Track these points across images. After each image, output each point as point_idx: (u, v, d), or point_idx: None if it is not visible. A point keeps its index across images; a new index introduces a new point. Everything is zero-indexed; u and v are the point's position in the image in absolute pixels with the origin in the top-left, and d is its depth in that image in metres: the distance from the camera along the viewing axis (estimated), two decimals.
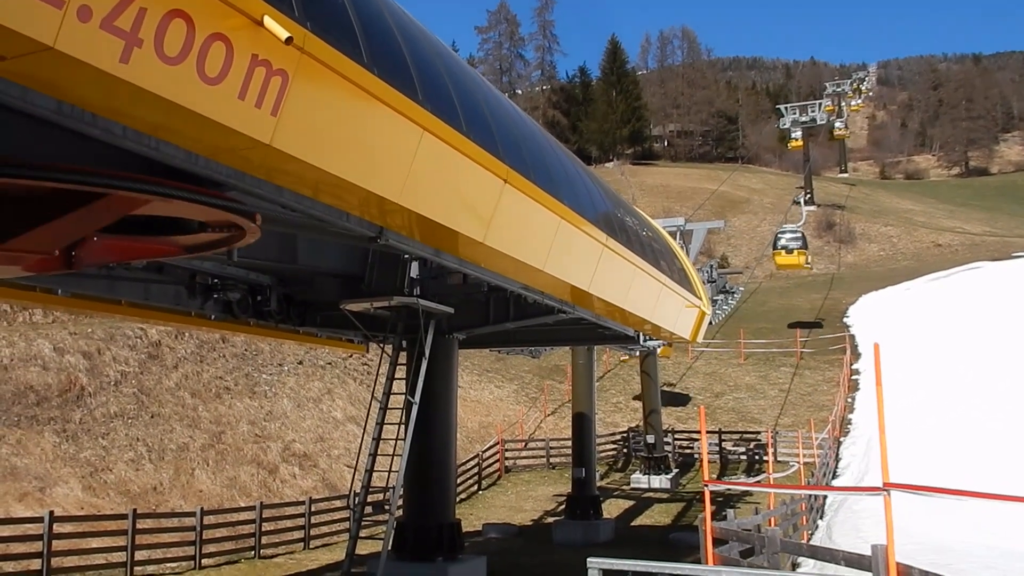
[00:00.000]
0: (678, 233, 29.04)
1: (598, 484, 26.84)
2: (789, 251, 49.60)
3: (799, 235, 50.52)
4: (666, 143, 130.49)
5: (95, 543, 17.42)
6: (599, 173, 43.80)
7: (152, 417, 25.17)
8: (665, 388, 36.45)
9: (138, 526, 17.70)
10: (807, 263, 50.73)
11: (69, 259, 6.91)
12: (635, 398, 36.48)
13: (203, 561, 18.90)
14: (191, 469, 24.28)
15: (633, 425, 35.99)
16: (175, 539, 18.98)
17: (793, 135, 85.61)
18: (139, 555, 17.69)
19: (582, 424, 25.24)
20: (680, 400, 36.03)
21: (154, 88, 5.30)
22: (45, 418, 22.63)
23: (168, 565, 18.37)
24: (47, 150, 6.02)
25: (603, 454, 34.01)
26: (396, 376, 15.24)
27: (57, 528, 16.29)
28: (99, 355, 26.02)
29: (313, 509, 22.67)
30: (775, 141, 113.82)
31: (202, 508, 19.59)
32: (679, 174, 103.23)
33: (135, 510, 18.23)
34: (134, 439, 23.95)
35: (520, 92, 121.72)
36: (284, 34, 5.84)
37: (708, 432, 32.08)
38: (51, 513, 16.46)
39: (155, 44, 5.21)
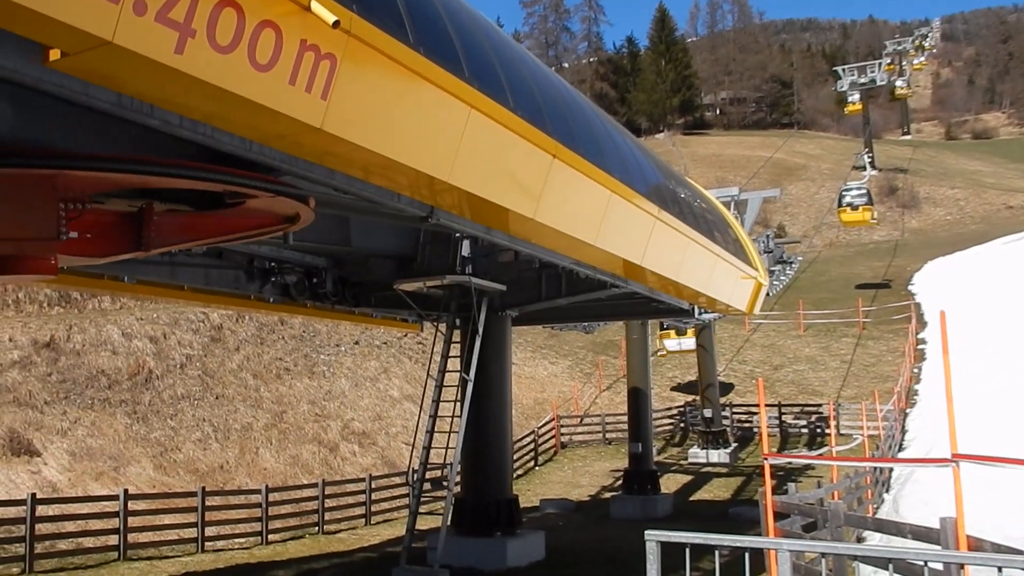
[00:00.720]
0: (732, 203, 28.61)
1: (655, 459, 26.77)
2: (855, 208, 48.84)
3: (864, 191, 49.76)
4: (718, 111, 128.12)
5: (167, 520, 18.03)
6: (649, 145, 43.33)
7: (217, 398, 25.85)
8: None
9: (207, 503, 18.26)
10: (873, 218, 49.89)
11: (139, 241, 7.13)
12: (674, 388, 36.29)
13: (269, 537, 19.43)
14: (255, 448, 24.90)
15: (690, 399, 35.77)
16: (242, 516, 19.53)
17: (850, 99, 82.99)
18: (209, 531, 18.26)
19: (638, 399, 25.17)
20: (724, 389, 35.62)
21: (208, 77, 5.42)
22: (117, 400, 23.40)
23: (237, 540, 18.92)
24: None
25: (660, 429, 33.88)
26: (450, 354, 15.39)
27: (131, 505, 16.90)
28: (165, 339, 26.77)
29: (373, 486, 23.09)
30: (832, 104, 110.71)
31: (267, 486, 20.11)
32: (732, 142, 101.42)
33: (204, 488, 18.81)
34: (200, 419, 24.64)
35: (567, 65, 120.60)
36: (331, 18, 5.90)
37: (767, 405, 31.76)
38: (125, 491, 17.07)
39: (208, 34, 5.31)
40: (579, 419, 34.66)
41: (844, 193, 50.53)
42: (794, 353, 39.66)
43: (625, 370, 29.44)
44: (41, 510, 15.55)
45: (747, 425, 33.67)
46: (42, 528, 15.57)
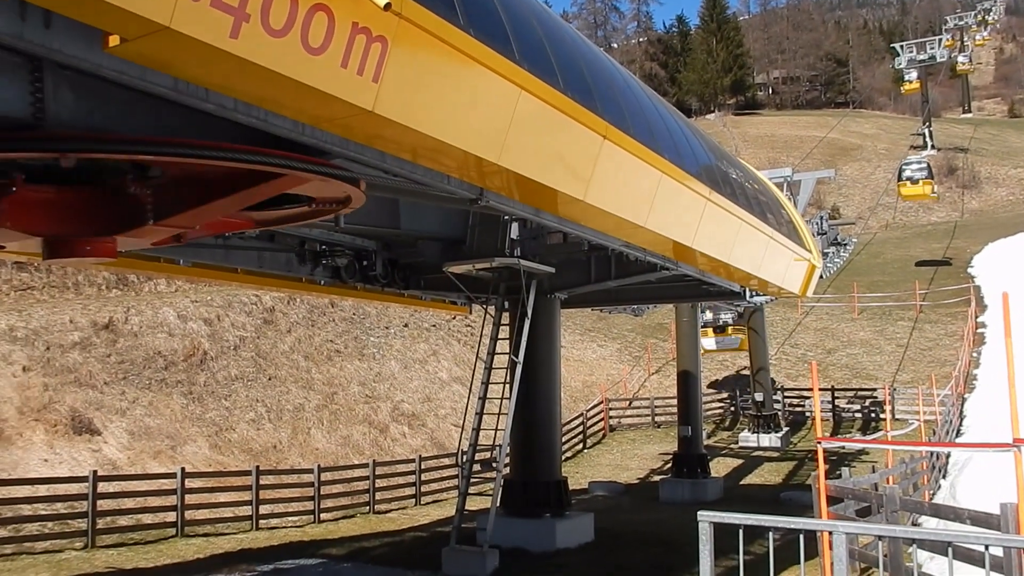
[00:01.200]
0: (785, 184, 28.11)
1: (705, 442, 26.59)
2: (915, 181, 47.90)
3: (924, 165, 48.75)
4: (770, 91, 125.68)
5: (223, 497, 18.44)
6: (700, 125, 42.71)
7: (269, 379, 26.30)
8: (744, 372, 35.23)
9: (261, 482, 18.64)
10: (933, 192, 48.80)
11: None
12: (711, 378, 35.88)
13: (321, 516, 19.77)
14: (307, 428, 25.31)
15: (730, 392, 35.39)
16: (295, 495, 19.89)
17: (907, 77, 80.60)
18: (263, 509, 18.64)
19: (687, 382, 24.99)
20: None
21: (262, 61, 5.47)
22: (173, 381, 23.95)
23: (290, 519, 19.29)
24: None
25: (709, 412, 33.63)
26: (499, 336, 15.42)
27: (188, 483, 17.32)
28: (219, 321, 27.28)
29: (423, 467, 23.33)
30: (889, 83, 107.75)
31: (319, 465, 20.43)
32: (785, 122, 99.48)
33: (258, 467, 19.19)
34: (254, 400, 25.11)
35: (616, 46, 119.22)
36: (383, 0, 5.90)
37: (820, 389, 31.30)
38: (183, 469, 17.50)
39: (262, 18, 5.36)
40: (628, 402, 34.55)
41: (904, 167, 49.62)
42: (848, 337, 38.95)
43: (674, 353, 29.24)
44: (102, 487, 16.01)
45: (799, 409, 33.22)
46: (103, 504, 16.04)
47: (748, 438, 30.42)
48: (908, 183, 48.35)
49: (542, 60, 9.31)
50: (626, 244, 13.58)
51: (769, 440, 29.93)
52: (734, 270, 16.85)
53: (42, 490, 16.10)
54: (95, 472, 16.14)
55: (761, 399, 30.43)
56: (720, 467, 27.49)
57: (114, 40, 5.00)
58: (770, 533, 6.30)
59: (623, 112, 11.50)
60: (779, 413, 31.57)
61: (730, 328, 31.26)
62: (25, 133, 5.58)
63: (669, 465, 25.79)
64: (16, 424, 19.39)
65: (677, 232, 13.62)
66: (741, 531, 6.19)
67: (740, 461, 28.89)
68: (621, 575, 13.22)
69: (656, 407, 33.59)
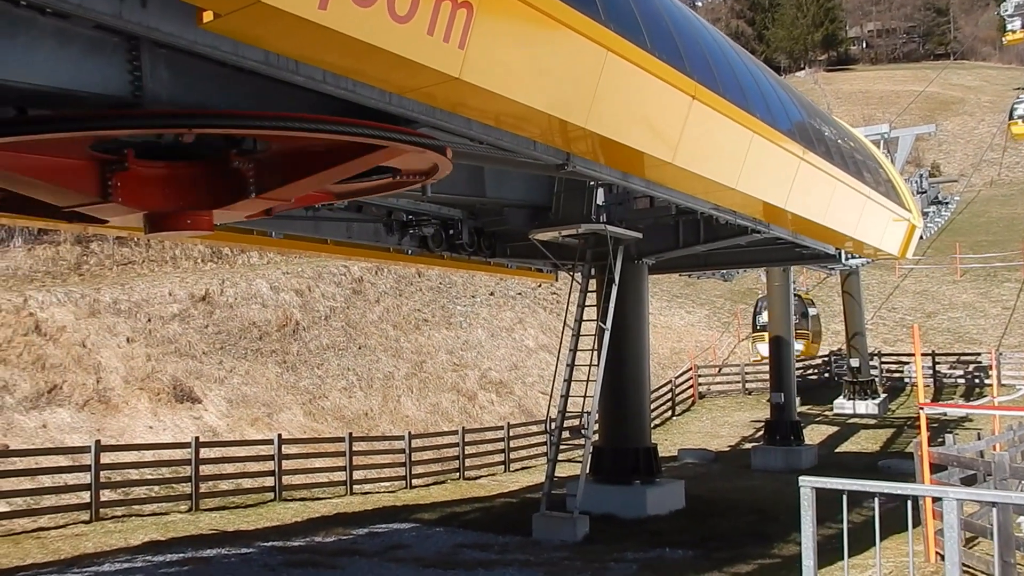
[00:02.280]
0: (882, 141, 26.97)
1: (798, 410, 25.99)
2: None
3: None
4: (864, 45, 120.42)
5: (318, 463, 18.99)
6: (790, 83, 41.24)
7: (359, 348, 26.87)
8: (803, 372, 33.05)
9: (354, 448, 19.10)
10: None
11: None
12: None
13: (413, 481, 20.17)
14: (397, 396, 25.81)
15: (835, 348, 34.40)
16: (387, 461, 20.32)
17: (1010, 27, 75.67)
18: (356, 475, 19.13)
19: (780, 348, 24.41)
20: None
21: (350, 31, 5.47)
22: (267, 351, 24.71)
23: (382, 484, 19.74)
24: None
25: (803, 379, 32.84)
26: (587, 303, 15.32)
27: (284, 449, 17.88)
28: (309, 292, 27.96)
29: (511, 434, 23.52)
30: (994, 31, 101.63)
31: (410, 432, 20.82)
32: (880, 77, 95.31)
33: (351, 434, 19.67)
34: (345, 369, 25.71)
35: (700, 4, 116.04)
36: None
37: (921, 354, 30.16)
38: (279, 436, 18.07)
39: None
40: (717, 369, 34.05)
41: (1016, 105, 46.67)
42: (949, 300, 37.39)
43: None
44: (204, 453, 16.66)
45: (897, 375, 32.12)
46: (205, 470, 16.70)
47: (844, 405, 29.59)
48: (1020, 122, 45.48)
49: (628, 20, 9.09)
50: (715, 207, 13.30)
51: (866, 407, 29.04)
52: (828, 232, 16.31)
53: (148, 456, 16.86)
54: (197, 439, 16.81)
55: (857, 365, 29.50)
56: (814, 434, 26.87)
57: (208, 16, 5.08)
58: (876, 499, 6.11)
59: (712, 71, 11.17)
60: (876, 379, 30.58)
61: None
62: (126, 110, 5.72)
63: (761, 432, 25.35)
64: (122, 393, 20.34)
65: (769, 193, 13.26)
66: (845, 497, 6.02)
67: (835, 428, 28.18)
68: (714, 543, 13.06)
69: (747, 374, 33.00)
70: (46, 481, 14.85)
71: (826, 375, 33.87)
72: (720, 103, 10.98)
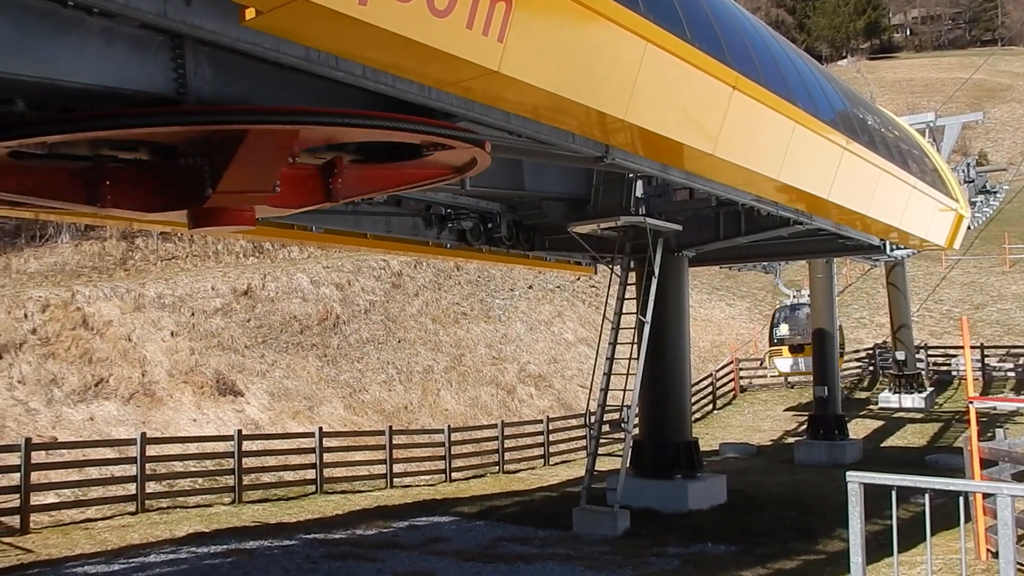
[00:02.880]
0: (927, 130, 26.38)
1: (842, 403, 25.60)
2: None
3: None
4: (908, 32, 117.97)
5: (358, 456, 19.15)
6: (832, 72, 40.55)
7: (399, 342, 27.03)
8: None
9: (394, 442, 19.23)
10: None
11: (328, 192, 7.45)
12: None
13: (452, 475, 20.25)
14: (436, 390, 25.92)
15: (880, 341, 33.83)
16: (427, 454, 20.44)
17: None
18: (396, 468, 19.26)
19: (823, 341, 24.06)
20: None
21: (390, 26, 5.48)
22: (308, 344, 24.96)
23: (422, 477, 19.86)
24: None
25: (846, 372, 32.32)
26: (626, 296, 15.23)
27: (325, 443, 18.05)
28: (349, 286, 28.18)
29: (551, 427, 23.50)
30: None
31: (449, 426, 20.90)
32: (924, 65, 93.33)
33: (391, 427, 19.79)
34: (385, 362, 25.89)
35: None
36: None
37: (970, 347, 29.43)
38: (320, 429, 18.25)
39: None
40: (759, 362, 33.65)
41: None
42: (998, 291, 36.55)
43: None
44: (246, 446, 16.88)
45: (944, 368, 31.49)
46: (248, 462, 16.93)
47: (889, 399, 29.08)
48: None
49: (668, 11, 9.01)
50: (757, 198, 13.17)
51: (912, 401, 28.52)
52: (873, 222, 16.03)
53: (192, 448, 17.13)
54: (239, 431, 17.03)
55: (903, 358, 28.96)
56: (859, 429, 26.47)
57: (250, 13, 5.13)
58: (926, 496, 5.99)
59: (753, 61, 11.03)
60: (923, 372, 30.01)
61: (807, 347, 25.59)
62: (171, 107, 5.80)
63: (804, 427, 25.02)
64: (167, 386, 20.69)
65: (812, 184, 13.08)
66: (894, 493, 5.92)
67: (880, 423, 27.72)
68: (757, 538, 12.92)
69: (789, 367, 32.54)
70: (93, 473, 15.15)
71: (871, 369, 33.31)
72: (762, 93, 10.86)
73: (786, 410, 30.00)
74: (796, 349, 26.67)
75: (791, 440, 25.17)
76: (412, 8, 5.55)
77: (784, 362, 27.22)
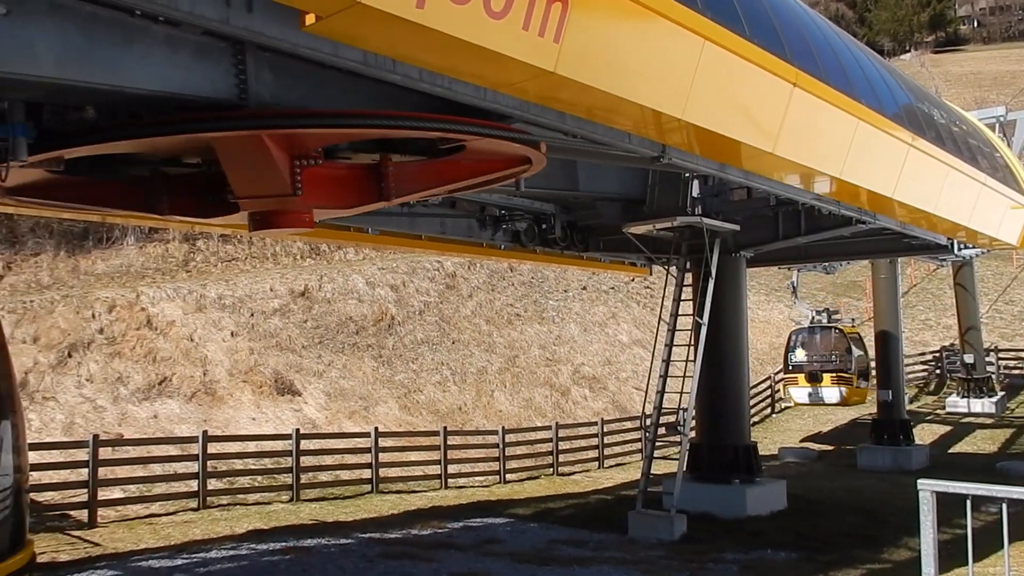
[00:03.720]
0: (997, 125, 25.55)
1: (907, 407, 24.95)
2: None
3: None
4: (975, 23, 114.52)
5: (413, 456, 19.27)
6: (895, 67, 39.57)
7: (453, 343, 27.15)
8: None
9: (448, 442, 19.29)
10: None
11: (380, 191, 7.50)
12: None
13: (507, 476, 20.24)
14: (490, 391, 25.96)
15: (947, 344, 32.88)
16: (481, 455, 20.46)
17: None
18: (450, 468, 19.32)
19: (887, 343, 23.46)
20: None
21: (447, 28, 5.49)
22: (364, 345, 25.22)
23: (476, 479, 19.89)
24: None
25: (912, 376, 31.49)
26: (682, 298, 15.05)
27: (381, 443, 18.19)
28: (404, 287, 28.41)
29: (605, 430, 23.35)
30: None
31: (503, 427, 20.90)
32: (993, 57, 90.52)
33: (445, 428, 19.86)
34: (439, 363, 26.02)
35: None
36: None
37: None
38: (376, 429, 18.40)
39: None
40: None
41: None
42: None
43: (871, 313, 27.55)
44: (304, 445, 17.09)
45: (1016, 372, 30.45)
46: (305, 461, 17.15)
47: (957, 403, 28.25)
48: None
49: (726, 8, 8.91)
50: (818, 197, 12.94)
51: (982, 405, 27.65)
52: (939, 221, 15.61)
53: (251, 446, 17.42)
54: (297, 431, 17.26)
55: (972, 361, 28.09)
56: (925, 434, 25.76)
57: (310, 18, 5.19)
58: (1003, 504, 5.77)
59: (814, 57, 10.83)
60: (992, 376, 29.06)
61: (828, 376, 23.58)
62: (233, 112, 5.89)
63: (867, 431, 24.42)
64: (227, 385, 21.10)
65: (875, 182, 12.80)
66: (968, 502, 5.71)
67: (948, 428, 26.94)
68: (818, 545, 12.65)
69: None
70: (157, 469, 15.50)
71: (937, 372, 32.38)
72: (823, 90, 10.66)
73: (848, 414, 29.33)
74: (813, 378, 23.74)
75: (853, 445, 24.58)
76: (469, 10, 5.56)
77: (800, 392, 24.32)
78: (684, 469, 14.30)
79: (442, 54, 5.97)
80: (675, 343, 14.66)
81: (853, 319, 25.32)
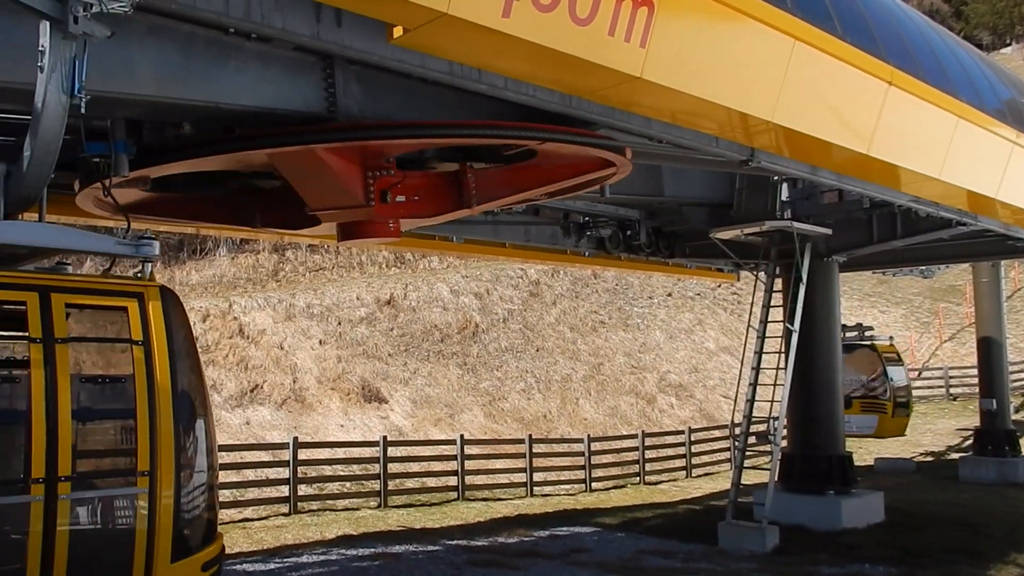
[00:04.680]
0: None
1: (1013, 417, 23.73)
2: None
3: None
4: None
5: (498, 464, 19.30)
6: (996, 61, 37.93)
7: (537, 351, 27.14)
8: None
9: (534, 450, 19.26)
10: None
11: (460, 199, 7.57)
12: None
13: (592, 485, 20.09)
14: (575, 399, 25.84)
15: None
16: (566, 463, 20.36)
17: None
18: (536, 476, 19.28)
19: (990, 350, 22.37)
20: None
21: (532, 37, 5.51)
22: (449, 353, 25.45)
23: (562, 487, 19.80)
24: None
25: (1018, 384, 29.98)
26: (772, 303, 14.68)
27: (466, 450, 18.29)
28: (488, 295, 28.57)
29: (692, 438, 22.95)
30: None
31: (589, 435, 20.77)
32: None
33: (530, 436, 19.85)
34: (523, 371, 26.05)
35: None
36: None
37: None
38: (462, 437, 18.52)
39: None
40: (917, 372, 31.74)
41: None
42: None
43: (972, 318, 26.37)
44: (391, 452, 17.32)
45: None
46: (392, 468, 17.36)
47: None
48: None
49: (817, 7, 8.72)
50: (915, 199, 12.47)
51: None
52: None
53: (340, 453, 17.75)
54: (384, 438, 17.50)
55: None
56: None
57: (398, 31, 5.27)
58: None
59: (910, 53, 10.47)
60: None
61: (857, 402, 19.99)
62: (324, 124, 6.02)
63: (969, 442, 23.34)
64: (316, 392, 21.57)
65: (977, 182, 12.28)
66: None
67: None
68: (919, 559, 12.11)
69: (951, 378, 30.55)
70: (250, 475, 15.93)
71: None
72: (920, 87, 10.31)
73: (948, 424, 28.12)
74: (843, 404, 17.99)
75: (955, 456, 23.54)
76: (554, 18, 5.55)
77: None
78: (776, 479, 13.93)
79: (527, 62, 5.98)
80: (765, 350, 14.32)
81: (891, 337, 21.42)
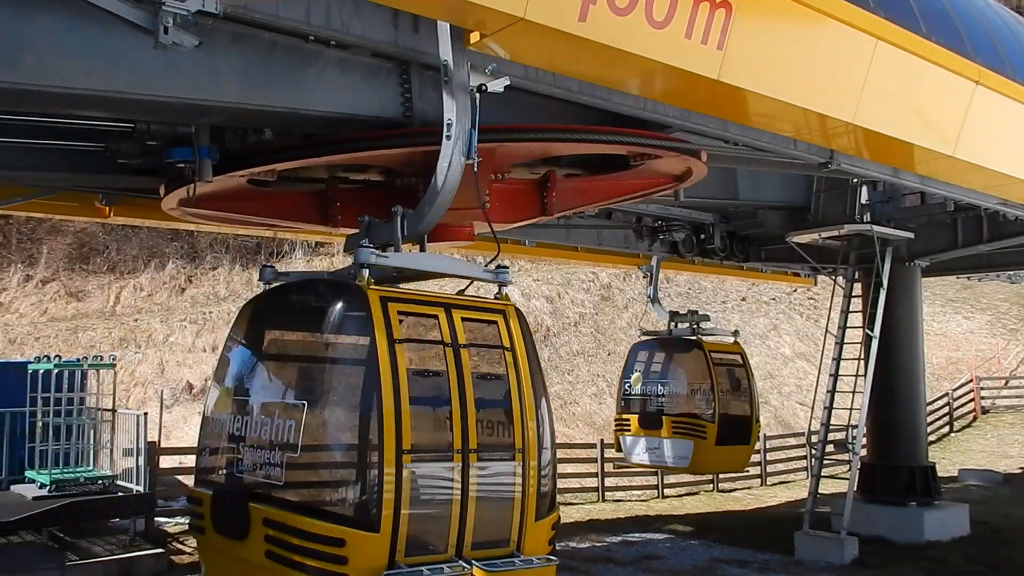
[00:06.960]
0: None
1: None
2: None
3: None
4: None
5: (570, 468, 19.26)
6: None
7: (608, 355, 27.00)
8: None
9: (605, 455, 19.15)
10: None
11: (543, 206, 7.61)
12: None
13: (665, 491, 19.86)
14: None
15: None
16: (638, 469, 20.15)
17: None
18: (607, 482, 19.17)
19: None
20: None
21: (608, 40, 5.52)
22: None
23: (634, 492, 19.64)
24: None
25: None
26: (851, 309, 14.34)
27: None
28: (559, 299, 28.54)
29: (768, 446, 22.50)
30: None
31: None
32: None
33: (602, 440, 19.73)
34: (595, 375, 25.94)
35: None
36: None
37: None
38: None
39: None
40: (1004, 381, 30.55)
41: None
42: None
43: None
44: None
45: None
46: None
47: None
48: None
49: (900, 4, 8.48)
50: (1003, 202, 12.09)
51: None
52: None
53: None
54: None
55: None
56: None
57: (474, 36, 5.32)
58: None
59: (999, 52, 10.13)
60: None
61: (669, 420, 14.54)
62: (399, 130, 6.14)
63: None
64: None
65: None
66: None
67: None
68: (1007, 575, 11.68)
69: None
70: None
71: None
72: (1010, 87, 9.99)
73: None
74: (648, 422, 14.85)
75: None
76: (630, 21, 5.55)
77: (631, 443, 15.20)
78: (855, 489, 13.59)
79: (602, 66, 6.00)
80: (844, 357, 13.99)
81: (736, 332, 16.47)
